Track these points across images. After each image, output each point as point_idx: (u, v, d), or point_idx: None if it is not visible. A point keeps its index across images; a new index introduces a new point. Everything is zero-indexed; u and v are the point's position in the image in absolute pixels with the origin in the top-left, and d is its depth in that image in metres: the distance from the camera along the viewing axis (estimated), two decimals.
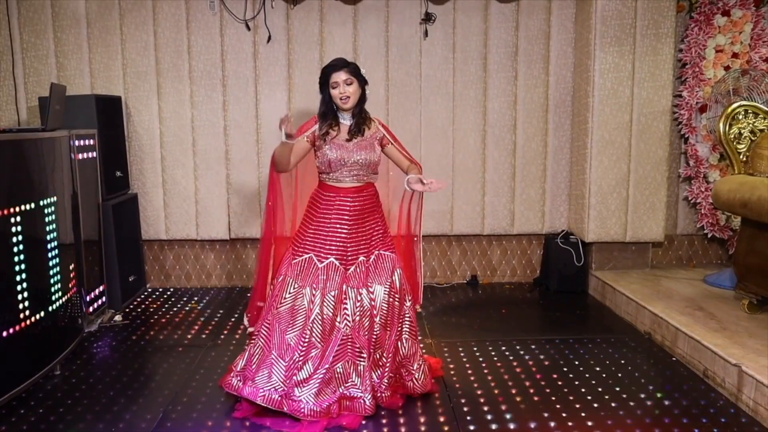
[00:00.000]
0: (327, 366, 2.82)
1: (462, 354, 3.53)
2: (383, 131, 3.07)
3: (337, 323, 2.86)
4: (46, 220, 3.09)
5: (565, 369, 3.32)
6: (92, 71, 4.58)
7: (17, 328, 2.83)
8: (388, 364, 2.92)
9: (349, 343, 2.86)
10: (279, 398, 2.79)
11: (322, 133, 2.94)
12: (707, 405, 2.90)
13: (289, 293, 2.91)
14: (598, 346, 3.64)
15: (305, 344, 2.84)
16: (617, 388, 3.08)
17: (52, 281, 3.15)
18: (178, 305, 4.46)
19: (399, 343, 2.99)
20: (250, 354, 2.93)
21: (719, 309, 3.74)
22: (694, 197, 4.71)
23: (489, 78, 4.70)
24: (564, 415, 2.82)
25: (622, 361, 3.43)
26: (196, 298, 4.62)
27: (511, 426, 2.73)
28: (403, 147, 3.15)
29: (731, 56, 4.56)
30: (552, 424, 2.74)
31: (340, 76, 2.87)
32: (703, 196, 4.66)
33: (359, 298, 2.90)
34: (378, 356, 2.93)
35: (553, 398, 2.98)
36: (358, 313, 2.88)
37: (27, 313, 2.90)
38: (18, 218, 2.83)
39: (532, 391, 3.07)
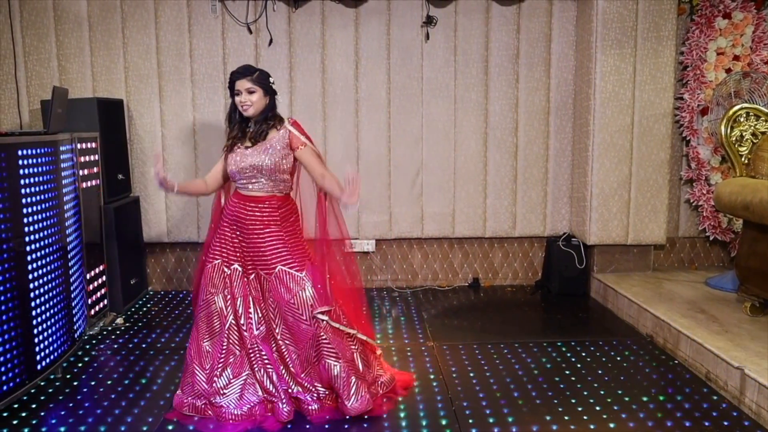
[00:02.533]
0: (247, 372, 2.87)
1: (464, 357, 3.53)
2: (294, 132, 2.91)
3: (243, 331, 2.88)
4: (47, 223, 3.09)
5: (567, 372, 3.32)
6: (94, 74, 4.59)
7: (20, 330, 2.83)
8: (304, 383, 2.86)
9: (258, 352, 2.87)
10: (202, 405, 2.84)
11: (229, 143, 2.93)
12: (710, 408, 2.90)
13: (203, 300, 2.92)
14: (600, 348, 3.63)
15: (224, 351, 2.88)
16: (619, 391, 3.08)
17: (55, 283, 3.14)
18: (180, 308, 4.46)
19: (321, 368, 2.84)
20: (185, 364, 3.00)
21: (721, 312, 3.73)
22: (695, 200, 4.71)
23: (490, 81, 4.71)
24: (566, 418, 2.81)
25: (624, 364, 3.42)
26: None
27: (514, 429, 2.72)
28: (318, 154, 2.98)
29: (732, 59, 4.57)
30: (554, 427, 2.74)
31: (243, 84, 2.83)
32: (704, 199, 4.66)
33: (261, 310, 2.90)
34: (294, 371, 2.87)
35: (555, 401, 2.98)
36: (263, 323, 2.89)
37: (29, 315, 2.91)
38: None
39: (534, 393, 3.06)
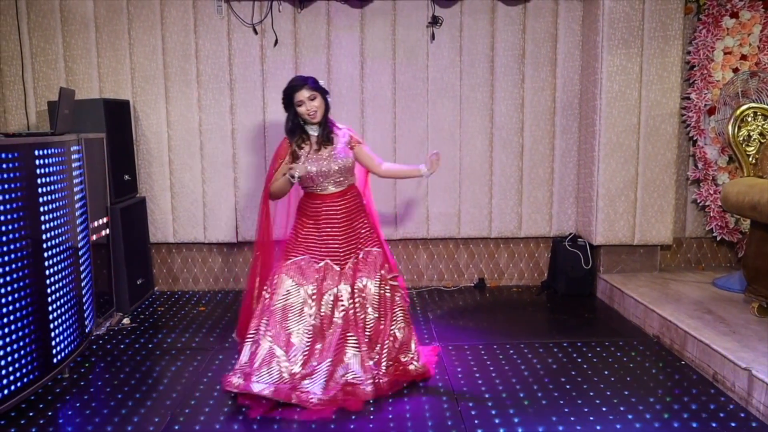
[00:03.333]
0: (331, 359, 3.01)
1: (469, 357, 3.53)
2: (350, 133, 3.30)
3: (335, 319, 3.09)
4: (54, 224, 3.09)
5: (573, 372, 3.31)
6: (101, 75, 4.61)
7: (26, 330, 2.84)
8: (385, 352, 3.13)
9: (346, 335, 3.08)
10: (288, 390, 2.91)
11: (295, 149, 3.19)
12: (717, 409, 2.89)
13: (286, 291, 3.09)
14: (606, 349, 3.62)
15: (309, 339, 3.05)
16: (626, 392, 3.07)
17: (61, 284, 3.15)
18: (186, 308, 4.47)
19: (394, 330, 3.20)
20: (252, 352, 3.03)
21: (728, 312, 3.71)
22: (702, 200, 4.69)
23: (496, 81, 4.70)
24: (572, 418, 2.81)
25: (631, 365, 3.41)
26: (203, 302, 4.63)
27: (519, 429, 2.72)
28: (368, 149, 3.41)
29: (740, 58, 4.54)
30: (560, 427, 2.73)
31: (303, 94, 3.11)
32: (711, 199, 4.64)
33: (353, 294, 3.14)
34: (375, 345, 3.14)
35: (561, 402, 2.97)
36: (353, 308, 3.13)
37: (37, 316, 2.92)
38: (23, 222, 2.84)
39: (540, 394, 3.06)
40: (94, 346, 3.72)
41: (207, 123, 4.67)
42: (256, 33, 4.60)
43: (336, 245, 3.18)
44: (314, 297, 3.09)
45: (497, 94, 4.71)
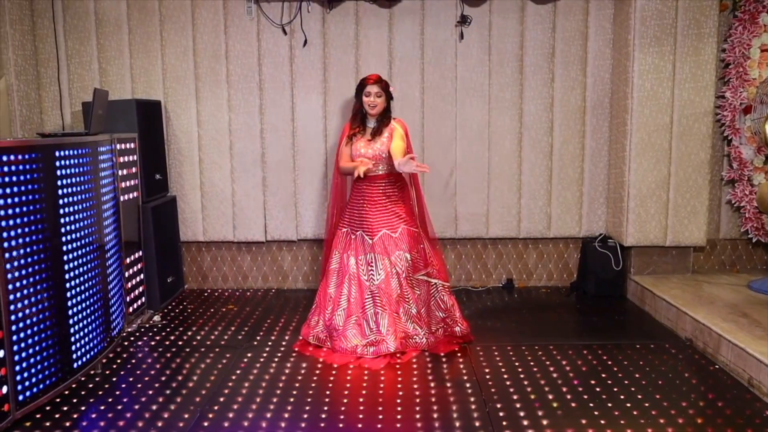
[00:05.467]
0: (357, 315, 3.59)
1: (498, 358, 3.50)
2: (396, 126, 3.77)
3: (365, 282, 3.62)
4: (86, 222, 3.16)
5: (603, 375, 3.27)
6: (133, 76, 4.68)
7: (56, 329, 2.91)
8: (424, 317, 3.64)
9: (375, 298, 3.60)
10: (324, 337, 3.66)
11: (352, 133, 3.79)
12: (752, 415, 2.82)
13: (333, 258, 3.80)
14: (637, 352, 3.57)
15: (342, 297, 3.67)
16: (657, 396, 3.02)
17: (92, 282, 3.21)
18: (215, 306, 4.52)
19: (438, 299, 3.71)
20: (314, 305, 3.87)
21: (764, 316, 3.62)
22: (737, 200, 4.59)
23: (525, 80, 4.66)
24: (602, 422, 2.77)
25: (663, 368, 3.35)
26: (233, 300, 4.68)
27: None
28: (409, 144, 3.84)
29: None
30: (590, 431, 2.70)
31: (373, 89, 3.72)
32: (747, 200, 4.54)
33: (385, 263, 3.63)
34: (415, 311, 3.63)
35: (591, 404, 2.94)
36: (382, 274, 3.62)
37: (66, 314, 2.98)
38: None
39: (569, 396, 3.02)
40: (125, 343, 3.78)
41: (236, 123, 4.72)
42: (285, 33, 4.64)
43: (368, 219, 3.70)
44: (351, 262, 3.66)
45: (526, 93, 4.67)
